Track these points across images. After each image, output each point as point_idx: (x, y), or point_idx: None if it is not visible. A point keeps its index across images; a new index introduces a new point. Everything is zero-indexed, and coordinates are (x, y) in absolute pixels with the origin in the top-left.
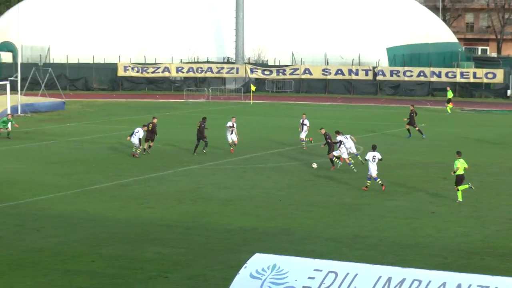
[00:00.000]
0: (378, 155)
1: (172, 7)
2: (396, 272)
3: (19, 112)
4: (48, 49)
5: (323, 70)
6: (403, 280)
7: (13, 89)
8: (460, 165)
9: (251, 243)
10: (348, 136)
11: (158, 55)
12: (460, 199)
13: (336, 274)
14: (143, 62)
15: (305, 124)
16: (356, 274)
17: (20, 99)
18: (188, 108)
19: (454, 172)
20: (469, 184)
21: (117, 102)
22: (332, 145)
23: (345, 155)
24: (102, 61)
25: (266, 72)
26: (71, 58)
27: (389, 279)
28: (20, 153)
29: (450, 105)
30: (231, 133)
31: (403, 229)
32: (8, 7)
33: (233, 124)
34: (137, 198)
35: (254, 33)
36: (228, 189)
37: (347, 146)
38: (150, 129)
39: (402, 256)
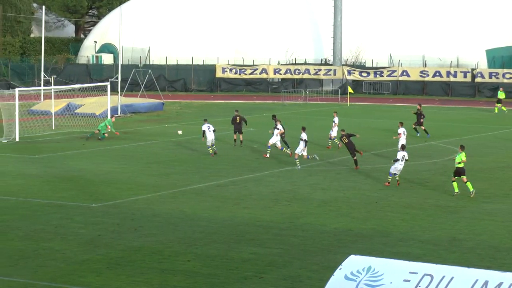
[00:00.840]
0: (406, 155)
1: (270, 9)
2: (493, 276)
3: (118, 113)
4: (148, 50)
5: (421, 72)
6: (500, 284)
7: (113, 90)
8: (461, 159)
9: (346, 244)
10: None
11: (256, 56)
12: (456, 190)
13: (432, 277)
14: (241, 63)
15: (334, 122)
16: (452, 277)
17: (120, 100)
18: (285, 110)
19: (458, 163)
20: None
21: (215, 103)
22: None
23: (304, 153)
24: (200, 63)
25: (363, 74)
26: (170, 59)
27: (486, 283)
28: (119, 153)
29: (500, 105)
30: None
31: (501, 232)
32: (110, 9)
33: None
34: (233, 199)
35: (352, 35)
36: (324, 191)
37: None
38: (237, 121)
39: (499, 259)
